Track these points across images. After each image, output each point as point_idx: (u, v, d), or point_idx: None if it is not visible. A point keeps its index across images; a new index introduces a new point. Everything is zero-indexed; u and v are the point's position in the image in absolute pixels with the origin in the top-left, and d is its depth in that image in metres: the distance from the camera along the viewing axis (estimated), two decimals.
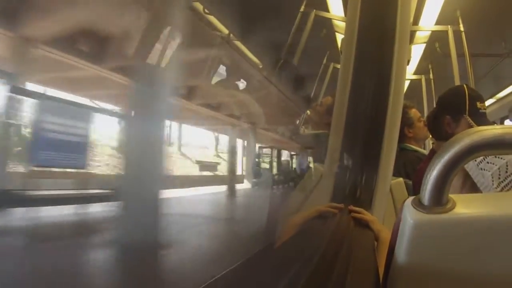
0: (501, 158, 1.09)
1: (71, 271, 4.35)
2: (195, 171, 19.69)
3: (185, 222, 7.59)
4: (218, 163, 19.32)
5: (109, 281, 4.48)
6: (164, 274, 4.61)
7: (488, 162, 1.12)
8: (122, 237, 5.37)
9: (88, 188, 7.82)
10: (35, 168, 6.76)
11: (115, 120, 10.85)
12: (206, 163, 19.17)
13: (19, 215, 5.87)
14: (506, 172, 1.08)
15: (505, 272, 0.66)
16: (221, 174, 19.81)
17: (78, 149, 7.72)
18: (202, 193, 13.37)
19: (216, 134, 20.39)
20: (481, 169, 1.14)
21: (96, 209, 6.92)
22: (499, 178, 1.11)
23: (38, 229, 5.70)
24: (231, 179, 14.98)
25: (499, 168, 1.10)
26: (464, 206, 0.69)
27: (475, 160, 1.14)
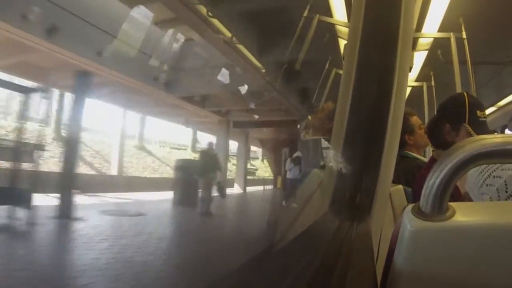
0: (499, 177, 1.07)
1: None
2: None
3: None
4: None
5: None
6: None
7: (487, 185, 1.09)
8: None
9: None
10: None
11: None
12: None
13: None
14: (506, 192, 1.06)
15: (504, 280, 0.66)
16: None
17: None
18: None
19: None
20: (481, 193, 1.12)
21: None
22: (499, 198, 1.08)
23: None
24: None
25: (497, 189, 1.07)
26: (464, 214, 0.70)
27: (476, 185, 1.12)
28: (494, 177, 1.04)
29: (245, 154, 22.36)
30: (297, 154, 13.90)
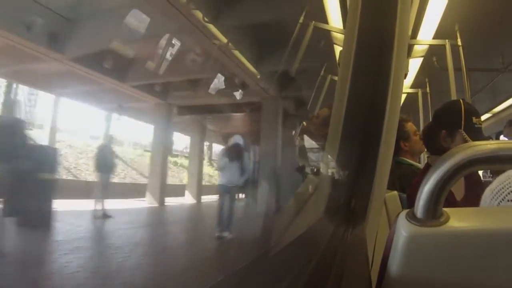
0: None
1: None
2: None
3: None
4: None
5: None
6: None
7: (509, 200, 1.05)
8: None
9: None
10: None
11: None
12: None
13: None
14: None
15: (498, 285, 0.66)
16: None
17: None
18: None
19: None
20: None
21: None
22: None
23: None
24: None
25: None
26: (458, 220, 0.70)
27: (495, 199, 1.09)
28: (508, 200, 1.02)
29: (199, 152, 16.77)
30: (235, 140, 9.16)
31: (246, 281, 0.80)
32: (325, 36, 6.47)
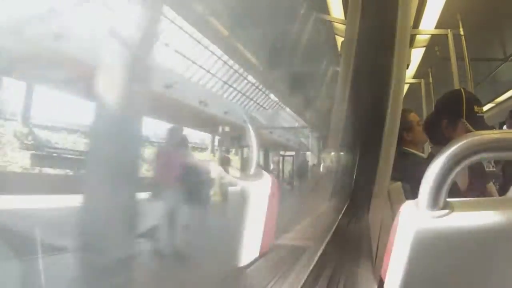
0: None
1: None
2: None
3: None
4: None
5: None
6: None
7: None
8: None
9: None
10: None
11: None
12: None
13: None
14: None
15: (503, 275, 0.66)
16: None
17: None
18: None
19: None
20: None
21: None
22: None
23: None
24: None
25: None
26: (462, 210, 0.69)
27: None
28: None
29: None
30: None
31: (251, 273, 0.80)
32: (327, 27, 6.43)
